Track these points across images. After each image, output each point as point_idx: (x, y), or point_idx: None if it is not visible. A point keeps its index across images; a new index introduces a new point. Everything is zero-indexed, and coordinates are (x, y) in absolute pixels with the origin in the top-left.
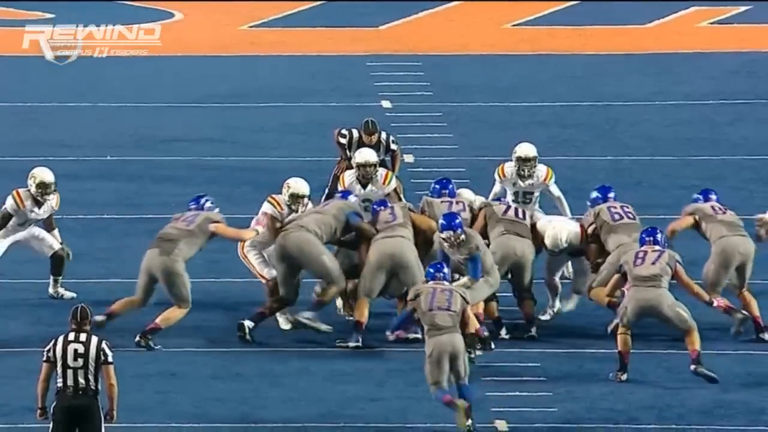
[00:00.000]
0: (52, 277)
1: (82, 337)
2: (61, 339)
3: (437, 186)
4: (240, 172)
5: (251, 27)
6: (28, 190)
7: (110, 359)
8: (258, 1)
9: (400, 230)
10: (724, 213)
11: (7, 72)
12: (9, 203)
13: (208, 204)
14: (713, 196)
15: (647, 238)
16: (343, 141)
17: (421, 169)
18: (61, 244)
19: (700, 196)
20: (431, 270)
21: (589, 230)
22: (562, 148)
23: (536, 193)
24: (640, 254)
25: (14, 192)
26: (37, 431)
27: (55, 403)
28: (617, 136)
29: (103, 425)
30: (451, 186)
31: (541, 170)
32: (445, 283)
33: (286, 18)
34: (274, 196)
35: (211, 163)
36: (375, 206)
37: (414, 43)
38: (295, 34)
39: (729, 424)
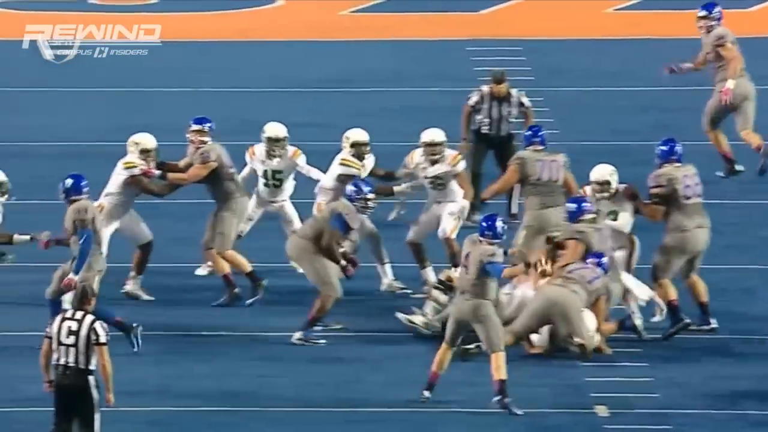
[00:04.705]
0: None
1: (78, 315)
2: (59, 316)
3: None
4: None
5: (352, 12)
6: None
7: (102, 339)
8: None
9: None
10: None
11: (107, 58)
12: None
13: None
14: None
15: None
16: (476, 98)
17: None
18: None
19: None
20: None
21: (653, 191)
22: (663, 132)
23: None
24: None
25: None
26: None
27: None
28: None
29: (96, 405)
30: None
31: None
32: None
33: (386, 3)
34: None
35: (311, 147)
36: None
37: (515, 27)
38: (395, 19)
39: None
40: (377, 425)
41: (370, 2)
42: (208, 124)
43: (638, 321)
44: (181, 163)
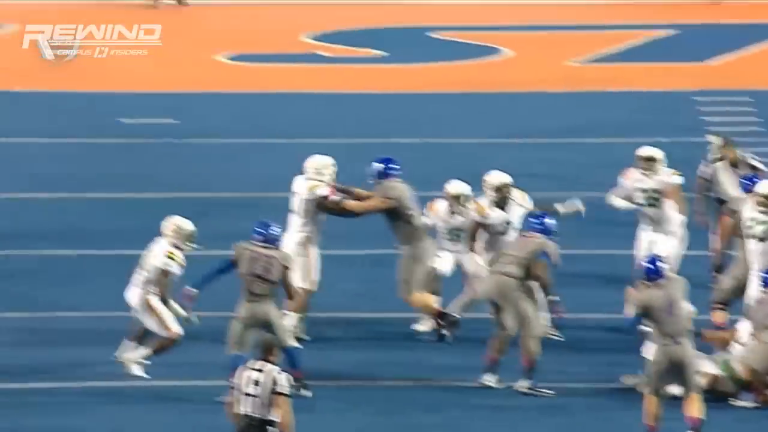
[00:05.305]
0: None
1: (261, 365)
2: (243, 366)
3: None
4: None
5: (578, 63)
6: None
7: (282, 390)
8: (587, 30)
9: None
10: None
11: (326, 106)
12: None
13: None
14: None
15: None
16: (707, 170)
17: None
18: None
19: None
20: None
21: None
22: None
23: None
24: None
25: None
26: None
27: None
28: None
29: None
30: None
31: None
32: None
33: (612, 54)
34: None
35: (538, 197)
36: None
37: (743, 78)
38: (621, 69)
39: None
40: None
41: (596, 53)
42: (392, 165)
43: None
44: (364, 192)
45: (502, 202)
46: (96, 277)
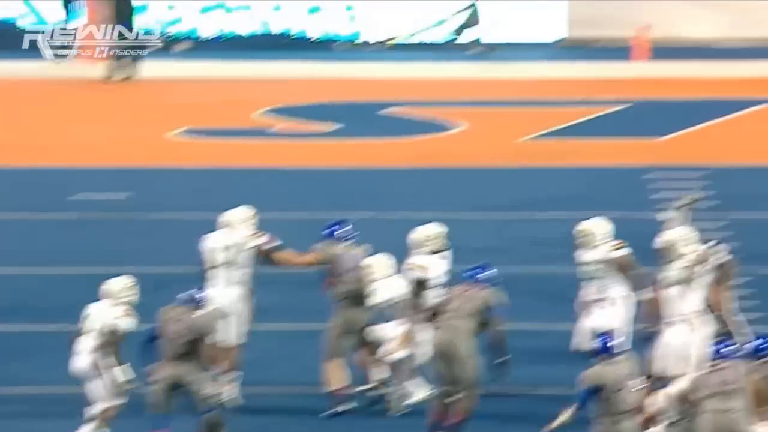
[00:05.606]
0: None
1: None
2: None
3: None
4: (518, 282)
5: (530, 138)
6: None
7: None
8: (539, 106)
9: None
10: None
11: (279, 181)
12: None
13: None
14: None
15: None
16: None
17: None
18: None
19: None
20: None
21: None
22: None
23: None
24: None
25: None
26: None
27: None
28: None
29: None
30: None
31: None
32: None
33: (564, 129)
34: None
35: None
36: None
37: (695, 153)
38: (573, 145)
39: None
40: None
41: (548, 128)
42: (337, 228)
43: None
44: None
45: (437, 252)
46: (49, 352)
